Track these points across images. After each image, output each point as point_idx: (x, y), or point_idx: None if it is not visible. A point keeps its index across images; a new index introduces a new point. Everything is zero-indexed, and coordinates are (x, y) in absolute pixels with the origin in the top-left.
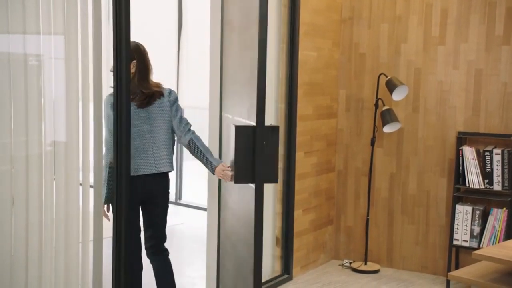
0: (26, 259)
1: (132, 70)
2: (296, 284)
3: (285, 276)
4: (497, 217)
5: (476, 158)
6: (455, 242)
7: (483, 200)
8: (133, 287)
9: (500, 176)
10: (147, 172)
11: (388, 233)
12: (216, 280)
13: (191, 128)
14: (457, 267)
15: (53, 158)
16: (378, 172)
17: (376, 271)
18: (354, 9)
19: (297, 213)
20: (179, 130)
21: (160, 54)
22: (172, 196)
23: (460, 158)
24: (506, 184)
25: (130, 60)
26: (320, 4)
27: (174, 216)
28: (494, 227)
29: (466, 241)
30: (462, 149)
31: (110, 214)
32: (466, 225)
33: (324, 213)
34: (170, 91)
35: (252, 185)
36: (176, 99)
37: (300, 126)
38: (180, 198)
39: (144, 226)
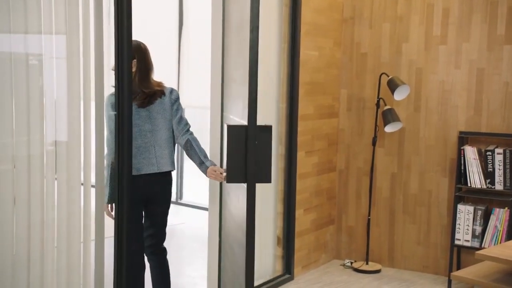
0: (28, 259)
1: (133, 69)
2: (298, 284)
3: (287, 276)
4: (499, 217)
5: (477, 157)
6: (456, 242)
7: (485, 200)
8: (135, 286)
9: (502, 176)
10: (149, 172)
11: (389, 233)
12: (218, 280)
13: (190, 129)
14: (458, 267)
15: (55, 158)
16: (379, 172)
17: (378, 271)
18: (356, 9)
19: (298, 212)
20: (177, 130)
21: (161, 54)
22: (172, 195)
23: (462, 157)
24: (508, 184)
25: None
26: (322, 3)
27: (175, 216)
28: (496, 227)
29: (468, 241)
30: (463, 149)
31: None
32: (468, 225)
33: (326, 213)
34: (172, 90)
35: (245, 185)
36: (177, 98)
37: (301, 126)
38: (180, 197)
39: (145, 225)
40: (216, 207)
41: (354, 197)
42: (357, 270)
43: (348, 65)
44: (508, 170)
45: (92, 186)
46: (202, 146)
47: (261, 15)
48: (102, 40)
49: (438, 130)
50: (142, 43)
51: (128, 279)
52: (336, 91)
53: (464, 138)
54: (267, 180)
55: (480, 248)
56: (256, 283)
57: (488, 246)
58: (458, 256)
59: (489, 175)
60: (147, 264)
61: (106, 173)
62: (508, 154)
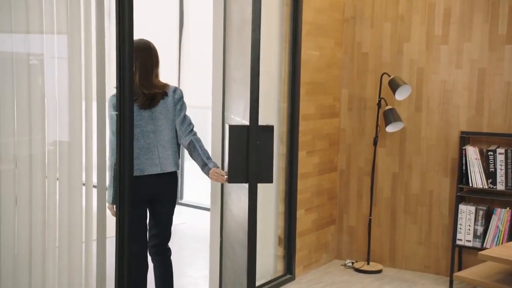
0: (30, 259)
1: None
2: (299, 284)
3: (288, 276)
4: (501, 217)
5: (479, 157)
6: (458, 242)
7: (487, 200)
8: (138, 286)
9: (504, 175)
10: (152, 172)
11: (390, 233)
12: (219, 280)
13: (194, 129)
14: (460, 267)
15: (57, 158)
16: (380, 172)
17: (379, 271)
18: (357, 9)
19: (300, 213)
20: (180, 130)
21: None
22: None
23: (463, 157)
24: (509, 184)
25: None
26: (323, 3)
27: (176, 216)
28: (497, 227)
29: (470, 241)
30: (465, 149)
31: None
32: (469, 225)
33: (327, 213)
34: (175, 89)
35: (246, 185)
36: (181, 98)
37: (302, 126)
38: (181, 198)
39: (149, 225)
40: (218, 207)
41: (355, 197)
42: (358, 270)
43: (349, 65)
44: (509, 170)
45: (94, 186)
46: (204, 145)
47: (262, 14)
48: (103, 40)
49: (439, 130)
50: (143, 41)
51: (129, 279)
52: (337, 91)
53: (466, 138)
54: (269, 180)
55: (482, 248)
56: (257, 283)
57: (490, 246)
58: (460, 256)
59: (490, 175)
60: (151, 264)
61: (109, 174)
62: (509, 154)
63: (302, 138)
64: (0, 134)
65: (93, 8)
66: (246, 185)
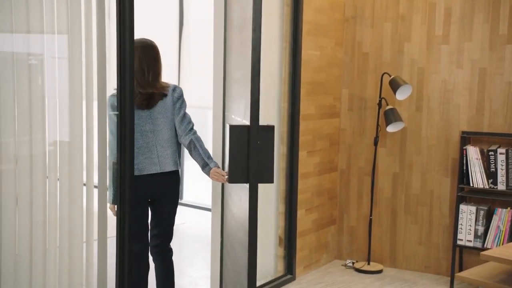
0: (30, 259)
1: None
2: (300, 285)
3: (288, 276)
4: (502, 217)
5: (480, 157)
6: (459, 242)
7: (487, 200)
8: (139, 286)
9: (505, 175)
10: (151, 172)
11: (391, 233)
12: (219, 281)
13: (193, 128)
14: (460, 267)
15: (57, 158)
16: (381, 172)
17: (379, 271)
18: (357, 8)
19: (300, 213)
20: (180, 129)
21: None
22: None
23: (464, 157)
24: (510, 184)
25: None
26: (323, 3)
27: (176, 216)
28: (498, 227)
29: (470, 241)
30: (466, 149)
31: None
32: (470, 225)
33: (327, 213)
34: (175, 88)
35: (247, 185)
36: (180, 96)
37: (302, 126)
38: (181, 198)
39: (150, 225)
40: (218, 207)
41: (356, 197)
42: (358, 270)
43: (350, 65)
44: (510, 170)
45: (95, 186)
46: (204, 145)
47: (263, 14)
48: (104, 40)
49: (440, 130)
50: (140, 41)
51: (130, 279)
52: (338, 91)
53: (466, 138)
54: (270, 180)
55: (482, 248)
56: (258, 284)
57: (491, 247)
58: (460, 256)
59: (491, 175)
60: (152, 264)
61: (109, 174)
62: (510, 154)
63: (302, 138)
64: (1, 134)
65: (93, 7)
66: (247, 185)
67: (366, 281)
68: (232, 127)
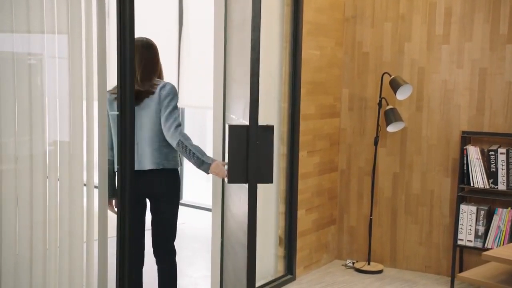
0: (31, 259)
1: None
2: (300, 285)
3: (288, 276)
4: (502, 217)
5: (480, 157)
6: (459, 242)
7: (488, 200)
8: (137, 285)
9: (505, 175)
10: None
11: (391, 233)
12: (220, 281)
13: (179, 127)
14: (461, 267)
15: (58, 158)
16: (381, 172)
17: (380, 271)
18: (357, 8)
19: (300, 213)
20: (164, 127)
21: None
22: None
23: (465, 157)
24: (511, 184)
25: None
26: (323, 2)
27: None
28: (499, 227)
29: (471, 241)
30: (466, 149)
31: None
32: (471, 225)
33: (327, 213)
34: (164, 85)
35: (247, 185)
36: (168, 94)
37: (302, 126)
38: (181, 197)
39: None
40: (219, 208)
41: (356, 197)
42: (359, 270)
43: (350, 65)
44: (511, 170)
45: (95, 186)
46: (203, 145)
47: (263, 14)
48: (104, 39)
49: (440, 129)
50: (136, 39)
51: (130, 279)
52: (338, 91)
53: (467, 138)
54: (269, 180)
55: (483, 248)
56: (258, 284)
57: (491, 247)
58: (461, 256)
59: (492, 175)
60: (155, 266)
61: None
62: (511, 154)
63: (302, 138)
64: (1, 134)
65: (93, 7)
66: (246, 185)
67: (366, 281)
68: (231, 127)
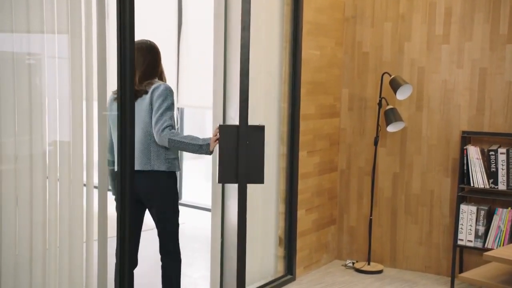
0: (30, 259)
1: None
2: (300, 285)
3: (288, 276)
4: (502, 217)
5: (480, 157)
6: (459, 242)
7: (488, 200)
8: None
9: (505, 175)
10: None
11: (391, 233)
12: (220, 281)
13: (167, 128)
14: (461, 268)
15: (57, 158)
16: (381, 172)
17: (380, 271)
18: (357, 8)
19: (300, 213)
20: (154, 130)
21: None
22: None
23: (465, 157)
24: (511, 184)
25: None
26: (323, 2)
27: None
28: (499, 227)
29: (471, 241)
30: (466, 149)
31: None
32: (471, 225)
33: (327, 213)
34: (158, 86)
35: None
36: (160, 95)
37: (302, 126)
38: (181, 198)
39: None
40: (218, 208)
41: (356, 197)
42: (359, 270)
43: (350, 65)
44: (511, 170)
45: (95, 186)
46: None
47: (263, 14)
48: (104, 39)
49: (440, 129)
50: (136, 42)
51: (130, 279)
52: (338, 91)
53: (467, 138)
54: (259, 181)
55: (483, 248)
56: (258, 284)
57: (491, 247)
58: (461, 256)
59: (492, 175)
60: (155, 267)
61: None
62: (511, 154)
63: (302, 138)
64: (1, 134)
65: (93, 7)
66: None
67: (367, 281)
68: (221, 127)
